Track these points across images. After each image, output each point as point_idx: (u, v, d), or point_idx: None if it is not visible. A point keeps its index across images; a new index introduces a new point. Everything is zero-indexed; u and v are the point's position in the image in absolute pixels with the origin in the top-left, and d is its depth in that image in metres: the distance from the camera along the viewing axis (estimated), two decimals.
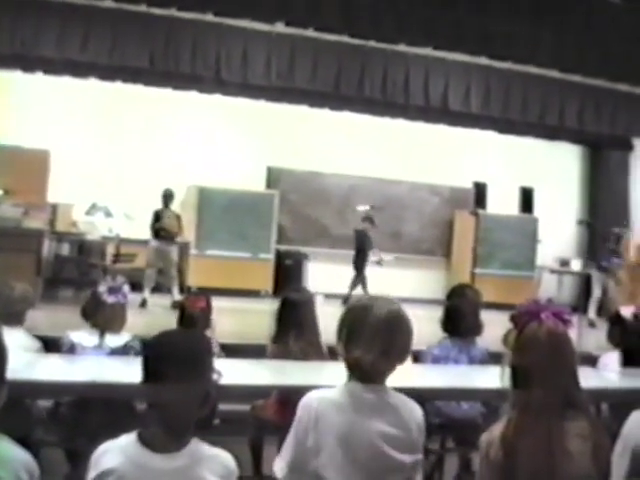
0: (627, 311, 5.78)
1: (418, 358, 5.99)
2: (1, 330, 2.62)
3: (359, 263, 15.21)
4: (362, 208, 15.72)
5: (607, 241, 14.84)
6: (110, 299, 5.45)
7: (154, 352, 2.86)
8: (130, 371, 4.72)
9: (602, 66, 12.43)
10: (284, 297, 6.05)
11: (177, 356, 2.76)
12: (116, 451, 2.75)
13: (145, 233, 13.01)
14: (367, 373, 3.29)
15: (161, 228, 12.90)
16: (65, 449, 5.46)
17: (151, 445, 2.74)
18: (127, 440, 2.78)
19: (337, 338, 3.41)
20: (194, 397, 2.75)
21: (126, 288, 5.58)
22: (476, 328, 5.94)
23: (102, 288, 5.53)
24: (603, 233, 15.15)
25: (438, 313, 6.06)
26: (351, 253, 16.10)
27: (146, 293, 12.75)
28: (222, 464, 2.82)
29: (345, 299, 13.83)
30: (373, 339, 3.27)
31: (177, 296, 12.67)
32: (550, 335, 2.93)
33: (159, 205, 13.12)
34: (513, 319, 3.03)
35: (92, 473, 2.75)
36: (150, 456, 2.73)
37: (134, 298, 11.23)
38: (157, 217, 12.96)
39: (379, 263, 15.37)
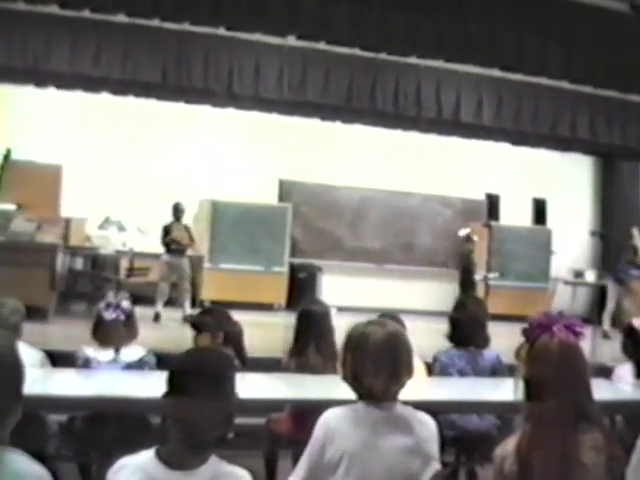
0: (639, 322, 5.76)
1: (431, 368, 6.03)
2: (17, 347, 2.63)
3: (465, 283, 15.51)
4: (463, 233, 16.00)
5: (625, 253, 14.74)
6: (107, 315, 5.44)
7: (182, 368, 2.86)
8: (145, 386, 4.77)
9: (612, 77, 12.41)
10: (302, 309, 6.04)
11: (205, 374, 2.78)
12: (133, 468, 2.75)
13: (159, 247, 12.99)
14: (380, 397, 3.34)
15: (172, 241, 12.88)
16: (78, 463, 5.47)
17: (169, 462, 2.73)
18: (145, 457, 2.77)
19: (342, 368, 3.47)
20: (217, 415, 2.76)
21: (126, 303, 5.55)
22: (480, 341, 5.92)
23: (102, 304, 5.55)
24: (624, 245, 15.05)
25: None
26: (365, 265, 16.27)
27: (159, 307, 12.72)
28: None
29: None
30: (379, 364, 3.33)
31: (189, 310, 12.64)
32: (562, 347, 2.93)
33: (172, 219, 13.11)
34: (525, 332, 3.04)
35: None
36: (168, 473, 2.72)
37: (147, 312, 11.31)
38: (167, 231, 12.95)
39: (485, 281, 15.56)
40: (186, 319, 12.17)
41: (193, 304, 13.19)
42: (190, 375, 2.78)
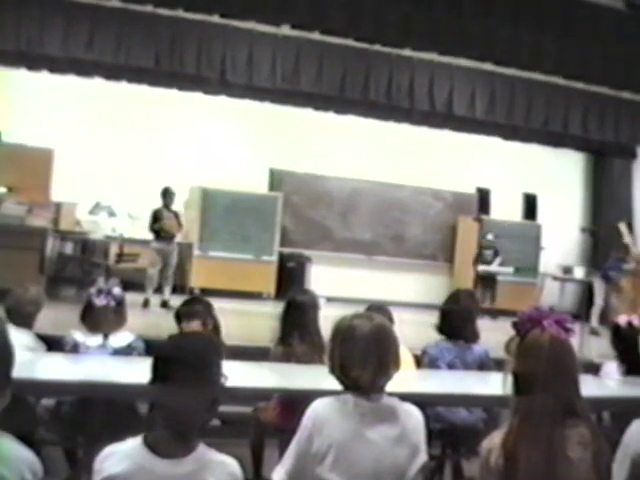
0: (623, 320, 5.77)
1: (419, 361, 6.03)
2: (8, 330, 2.62)
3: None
4: (490, 237, 16.43)
5: (615, 251, 14.75)
6: (98, 301, 5.42)
7: (166, 354, 2.84)
8: (133, 371, 4.76)
9: (605, 73, 12.43)
10: (290, 299, 6.03)
11: (188, 360, 2.76)
12: (121, 456, 2.73)
13: (148, 233, 12.95)
14: (367, 388, 3.34)
15: (161, 229, 12.85)
16: (65, 448, 5.46)
17: (157, 450, 2.72)
18: (132, 444, 2.76)
19: (329, 360, 3.46)
20: (203, 401, 2.75)
21: (117, 290, 5.54)
22: (470, 334, 5.93)
23: (92, 290, 5.52)
24: (614, 242, 15.06)
25: None
26: (354, 256, 16.25)
27: (149, 293, 12.72)
28: (228, 471, 2.81)
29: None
30: (366, 357, 3.33)
31: (167, 296, 12.69)
32: (552, 342, 2.93)
33: (161, 204, 13.07)
34: (515, 326, 3.04)
35: (96, 478, 2.73)
36: (156, 461, 2.71)
37: (136, 298, 11.29)
38: (156, 217, 12.90)
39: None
40: (163, 304, 12.25)
41: (182, 291, 13.19)
42: (175, 361, 2.77)
